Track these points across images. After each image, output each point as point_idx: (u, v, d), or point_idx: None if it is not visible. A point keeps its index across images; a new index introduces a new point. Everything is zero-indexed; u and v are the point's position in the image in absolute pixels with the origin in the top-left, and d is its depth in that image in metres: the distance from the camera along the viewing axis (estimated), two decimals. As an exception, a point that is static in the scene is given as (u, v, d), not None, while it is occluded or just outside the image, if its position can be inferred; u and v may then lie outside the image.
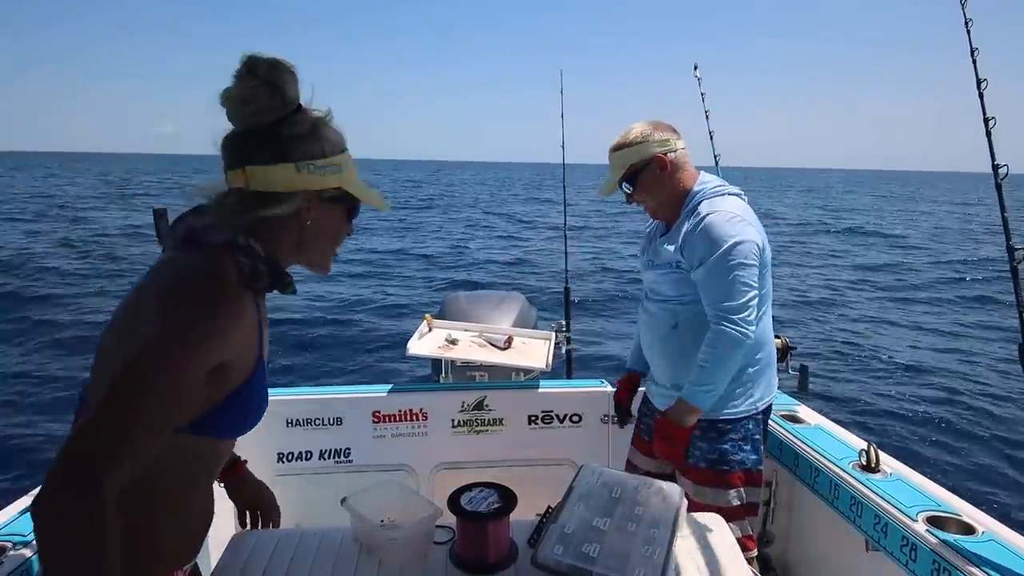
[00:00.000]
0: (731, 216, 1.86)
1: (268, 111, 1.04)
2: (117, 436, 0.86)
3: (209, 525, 1.21)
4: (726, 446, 1.95)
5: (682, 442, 1.92)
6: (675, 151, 1.97)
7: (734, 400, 1.95)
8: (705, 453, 1.96)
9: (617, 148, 2.00)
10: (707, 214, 1.87)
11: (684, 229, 1.92)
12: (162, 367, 0.91)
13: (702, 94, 2.82)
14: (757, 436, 2.00)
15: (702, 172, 2.04)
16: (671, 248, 1.96)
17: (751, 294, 1.82)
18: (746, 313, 1.81)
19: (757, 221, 1.95)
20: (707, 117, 2.81)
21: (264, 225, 1.07)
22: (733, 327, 1.80)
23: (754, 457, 1.98)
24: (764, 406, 2.01)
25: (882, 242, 20.46)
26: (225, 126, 1.07)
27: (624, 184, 2.00)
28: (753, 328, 1.84)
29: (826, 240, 20.52)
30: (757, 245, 1.85)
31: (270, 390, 2.81)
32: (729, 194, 1.97)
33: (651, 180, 1.97)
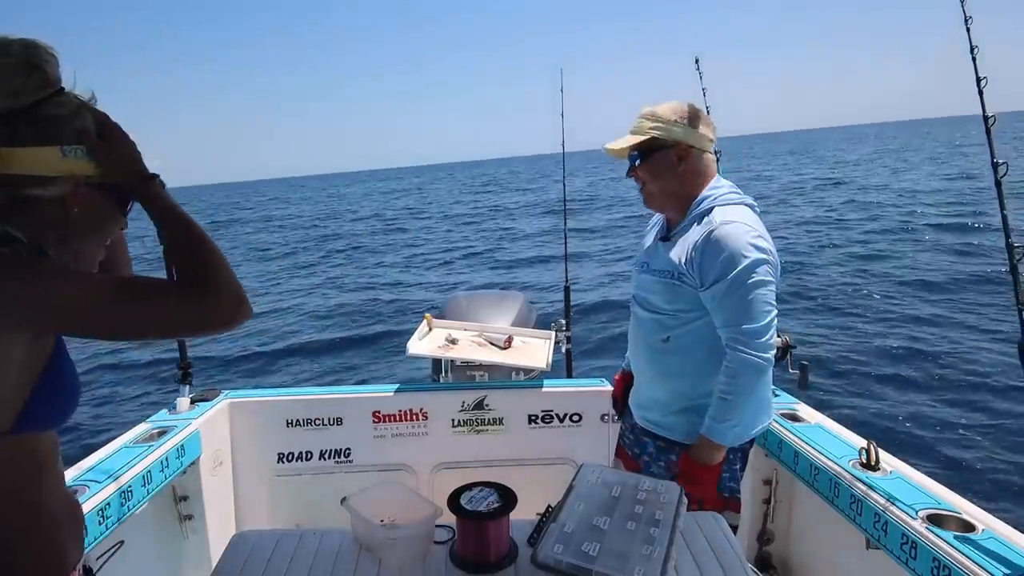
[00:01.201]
0: (748, 229, 1.69)
1: (27, 91, 0.96)
2: (169, 297, 1.00)
3: (80, 518, 1.12)
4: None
5: (713, 482, 1.77)
6: (703, 151, 1.83)
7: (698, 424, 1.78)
8: (666, 469, 1.86)
9: (647, 115, 1.81)
10: (721, 224, 1.69)
11: (693, 238, 1.75)
12: (91, 282, 0.96)
13: (703, 89, 2.82)
14: (737, 466, 1.87)
15: (718, 176, 1.87)
16: (673, 255, 1.78)
17: (772, 315, 1.68)
18: (767, 336, 1.67)
19: (768, 235, 1.77)
20: (707, 112, 2.80)
21: (22, 211, 0.98)
22: (754, 353, 1.65)
23: (732, 485, 1.85)
24: (749, 437, 1.84)
25: (872, 224, 20.30)
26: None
27: (632, 154, 1.83)
28: (774, 352, 1.69)
29: (819, 228, 20.43)
30: (773, 262, 1.71)
31: (271, 391, 2.82)
32: (744, 204, 1.80)
33: (663, 164, 1.80)
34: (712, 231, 1.70)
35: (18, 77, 0.95)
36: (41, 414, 0.96)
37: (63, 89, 1.01)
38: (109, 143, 1.02)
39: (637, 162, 1.83)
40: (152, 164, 1.08)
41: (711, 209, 1.76)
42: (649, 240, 1.99)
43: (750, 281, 1.65)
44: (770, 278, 1.68)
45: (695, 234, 1.75)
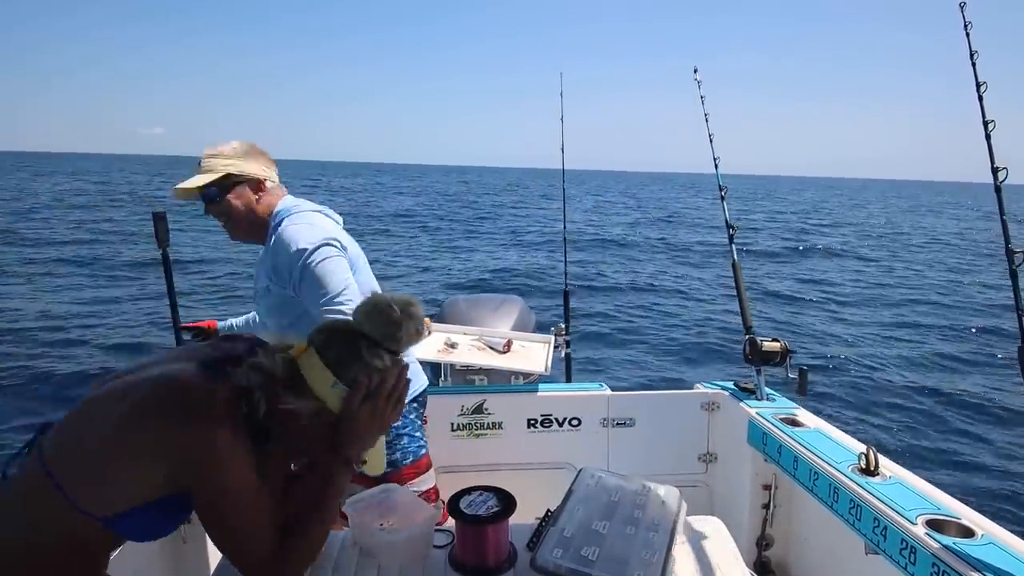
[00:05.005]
0: (306, 223, 1.92)
1: (381, 334, 1.16)
2: (258, 547, 1.11)
3: None
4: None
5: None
6: (272, 179, 2.01)
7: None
8: None
9: (216, 155, 1.95)
10: (286, 226, 1.92)
11: (270, 247, 1.94)
12: (241, 484, 1.09)
13: (701, 97, 2.82)
14: (415, 426, 2.11)
15: (288, 195, 2.05)
16: (263, 271, 1.97)
17: (349, 278, 1.88)
18: (349, 293, 1.86)
19: (337, 228, 2.01)
20: (706, 119, 2.81)
21: (282, 399, 1.14)
22: (342, 310, 1.83)
23: (415, 446, 2.09)
24: (412, 396, 2.09)
25: (871, 248, 20.44)
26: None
27: (210, 191, 1.93)
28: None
29: (821, 240, 20.52)
30: (338, 242, 1.92)
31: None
32: (311, 211, 2.01)
33: (244, 198, 1.96)
34: (282, 232, 1.90)
35: (390, 327, 1.16)
36: (132, 524, 1.10)
37: (394, 352, 1.19)
38: (359, 414, 1.17)
39: (217, 199, 1.94)
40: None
41: (282, 220, 1.96)
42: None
43: (319, 261, 1.85)
44: (337, 254, 1.90)
45: (271, 243, 1.94)
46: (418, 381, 2.15)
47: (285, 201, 2.02)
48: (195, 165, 1.97)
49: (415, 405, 2.15)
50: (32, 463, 1.11)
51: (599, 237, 20.77)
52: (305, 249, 1.85)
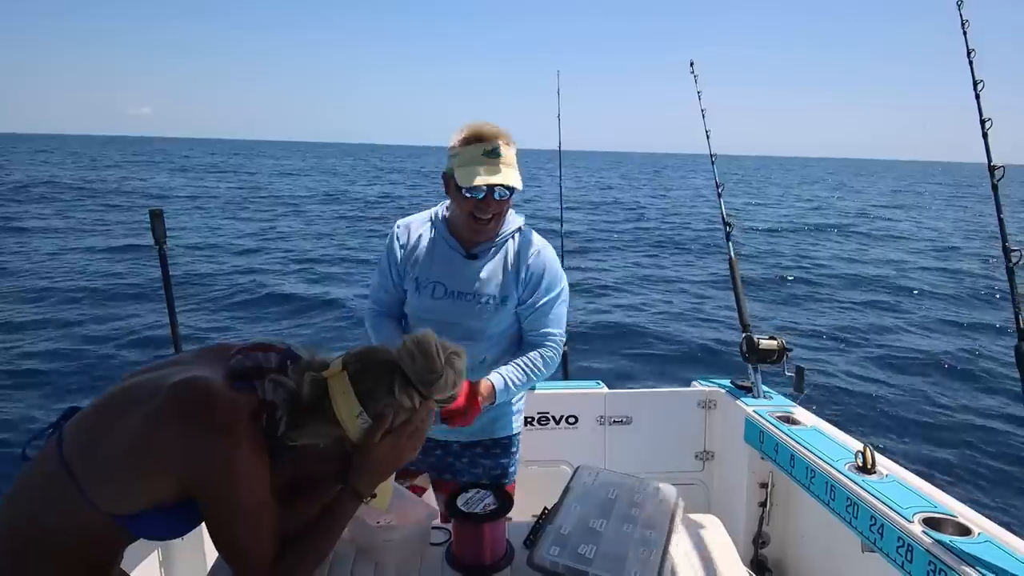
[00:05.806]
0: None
1: (418, 379, 1.15)
2: (261, 559, 1.11)
3: None
4: (505, 460, 2.02)
5: (472, 420, 1.76)
6: None
7: (513, 418, 2.02)
8: (489, 470, 1.99)
9: (510, 145, 1.74)
10: (543, 247, 1.90)
11: (512, 257, 1.85)
12: (254, 500, 1.09)
13: (698, 92, 2.81)
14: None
15: None
16: (493, 277, 1.83)
17: None
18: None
19: None
20: (703, 115, 2.80)
21: (306, 422, 1.14)
22: (558, 354, 1.93)
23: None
24: None
25: (870, 238, 20.44)
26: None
27: (504, 189, 1.73)
28: None
29: (813, 236, 20.53)
30: None
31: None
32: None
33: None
34: (538, 251, 1.89)
35: (429, 374, 1.16)
36: (143, 526, 1.11)
37: (424, 397, 1.18)
38: (377, 448, 1.17)
39: (507, 195, 1.76)
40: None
41: (519, 230, 1.91)
42: (436, 261, 1.87)
43: (565, 296, 1.94)
44: None
45: (512, 253, 1.87)
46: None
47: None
48: (484, 148, 1.70)
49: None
50: (52, 448, 1.12)
51: (594, 231, 20.74)
52: (562, 277, 1.93)
